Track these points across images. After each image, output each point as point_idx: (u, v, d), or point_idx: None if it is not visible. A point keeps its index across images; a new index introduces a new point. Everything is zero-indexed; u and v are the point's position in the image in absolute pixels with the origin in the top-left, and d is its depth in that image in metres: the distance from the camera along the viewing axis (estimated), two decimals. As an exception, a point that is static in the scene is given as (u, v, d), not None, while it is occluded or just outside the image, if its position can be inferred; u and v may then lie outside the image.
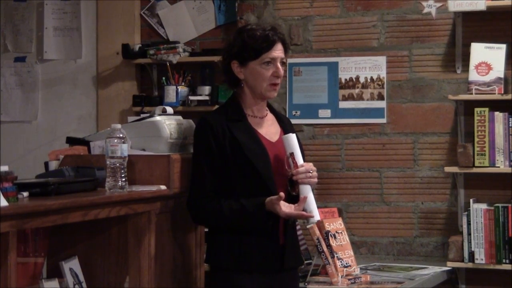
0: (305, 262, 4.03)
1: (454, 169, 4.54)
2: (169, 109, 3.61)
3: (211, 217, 3.24)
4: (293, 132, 3.34)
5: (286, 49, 3.32)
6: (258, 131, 3.30)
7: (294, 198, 3.21)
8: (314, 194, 3.26)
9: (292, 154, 3.21)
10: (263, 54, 3.24)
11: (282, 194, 3.13)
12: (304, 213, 3.18)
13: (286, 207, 3.15)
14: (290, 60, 4.98)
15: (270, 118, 3.39)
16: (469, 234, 4.44)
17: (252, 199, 3.18)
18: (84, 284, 3.15)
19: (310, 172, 3.21)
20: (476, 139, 4.45)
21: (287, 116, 4.91)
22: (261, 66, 3.25)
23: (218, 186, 3.24)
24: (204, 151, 3.25)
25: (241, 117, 3.29)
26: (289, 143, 3.23)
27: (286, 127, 3.38)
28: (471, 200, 4.50)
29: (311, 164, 3.25)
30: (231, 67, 3.29)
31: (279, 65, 3.26)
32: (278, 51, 3.26)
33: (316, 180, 3.24)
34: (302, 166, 3.20)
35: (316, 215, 3.22)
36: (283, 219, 3.25)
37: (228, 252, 3.24)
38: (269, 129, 3.34)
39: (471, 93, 4.50)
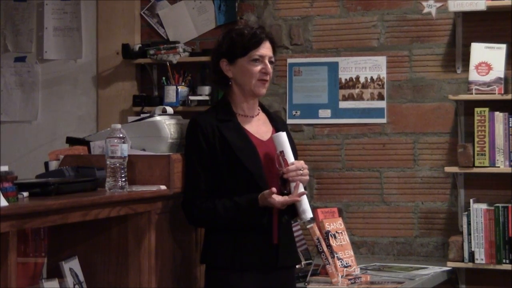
0: (305, 262, 4.04)
1: (454, 169, 4.54)
2: (169, 109, 3.61)
3: (206, 217, 3.25)
4: (285, 131, 3.35)
5: (274, 48, 3.35)
6: (248, 130, 3.31)
7: (286, 195, 3.22)
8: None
9: (282, 153, 3.22)
10: (251, 51, 3.28)
11: (274, 189, 3.14)
12: (298, 198, 3.18)
13: (279, 198, 3.16)
14: (290, 60, 4.98)
15: (261, 117, 3.40)
16: (469, 234, 4.44)
17: (244, 196, 3.20)
18: (84, 284, 3.15)
19: (300, 170, 3.21)
20: (476, 139, 4.45)
21: (287, 116, 4.92)
22: (249, 63, 3.28)
23: (212, 186, 3.25)
24: (195, 152, 3.27)
25: (230, 117, 3.31)
26: (279, 141, 3.24)
27: (278, 126, 3.39)
28: (471, 200, 4.50)
29: (302, 162, 3.26)
30: (219, 66, 3.31)
31: (267, 62, 3.29)
32: (266, 49, 3.30)
33: (307, 178, 3.25)
34: (292, 164, 3.21)
35: (309, 213, 3.22)
36: (277, 218, 3.26)
37: (222, 251, 3.25)
38: (260, 127, 3.35)
39: (471, 93, 4.50)
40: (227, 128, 3.27)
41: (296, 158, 3.30)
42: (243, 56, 3.29)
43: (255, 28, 3.33)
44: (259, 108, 3.42)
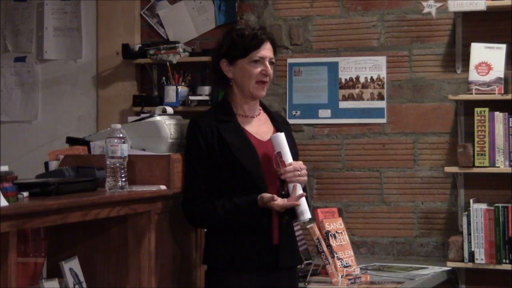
0: (305, 262, 4.03)
1: (454, 169, 4.54)
2: (169, 109, 3.61)
3: (206, 217, 3.25)
4: (287, 131, 3.35)
5: (275, 50, 3.34)
6: (248, 130, 3.31)
7: (284, 196, 3.22)
8: (306, 192, 3.25)
9: (279, 153, 3.21)
10: (251, 52, 3.27)
11: (275, 196, 3.15)
12: (297, 202, 3.18)
13: (279, 200, 3.16)
14: (290, 60, 4.98)
15: (262, 117, 3.40)
16: (469, 234, 4.44)
17: (244, 197, 3.19)
18: (84, 284, 3.15)
19: (298, 171, 3.20)
20: (476, 139, 4.45)
21: (287, 116, 4.91)
22: (249, 64, 3.27)
23: (211, 186, 3.25)
24: (195, 153, 3.27)
25: (230, 117, 3.30)
26: (277, 142, 3.23)
27: (279, 125, 3.38)
28: (471, 200, 4.50)
29: (300, 162, 3.25)
30: (220, 66, 3.31)
31: (267, 63, 3.29)
32: (266, 50, 3.29)
33: (305, 178, 3.24)
34: (290, 164, 3.20)
35: (308, 214, 3.21)
36: (277, 219, 3.26)
37: (222, 252, 3.25)
38: (260, 128, 3.35)
39: (471, 93, 4.50)
40: (226, 128, 3.27)
41: (296, 158, 3.30)
42: (243, 57, 3.28)
43: (256, 29, 3.33)
44: (260, 108, 3.42)
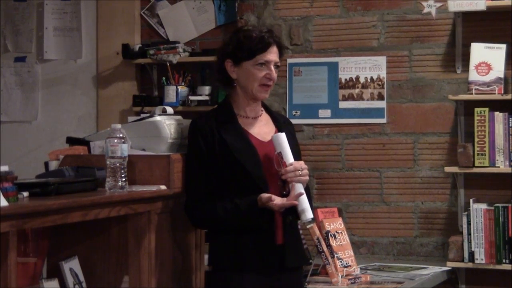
0: (305, 262, 4.04)
1: (454, 169, 4.54)
2: (169, 109, 3.61)
3: (207, 219, 3.25)
4: (290, 131, 3.35)
5: (281, 53, 3.33)
6: (249, 132, 3.30)
7: (285, 196, 3.21)
8: (308, 193, 3.25)
9: (280, 154, 3.21)
10: (257, 55, 3.25)
11: (273, 196, 3.15)
12: (295, 202, 3.18)
13: (278, 200, 3.16)
14: (290, 60, 4.98)
15: (264, 118, 3.39)
16: (469, 234, 4.44)
17: (245, 198, 3.19)
18: (84, 284, 3.15)
19: (299, 171, 3.20)
20: (476, 139, 4.45)
21: (287, 116, 4.91)
22: (254, 67, 3.26)
23: (213, 187, 3.25)
24: (195, 154, 3.27)
25: (230, 118, 3.29)
26: (277, 142, 3.23)
27: (281, 126, 3.38)
28: (471, 200, 4.50)
29: (301, 162, 3.24)
30: (224, 66, 3.30)
31: (272, 67, 3.27)
32: (272, 54, 3.28)
33: (306, 178, 3.23)
34: (291, 164, 3.20)
35: (309, 213, 3.21)
36: (281, 219, 3.25)
37: (226, 252, 3.25)
38: (261, 129, 3.34)
39: (471, 93, 4.50)
40: (226, 130, 3.27)
41: (299, 158, 3.29)
42: (248, 59, 3.26)
43: (264, 31, 3.30)
44: (262, 109, 3.41)
